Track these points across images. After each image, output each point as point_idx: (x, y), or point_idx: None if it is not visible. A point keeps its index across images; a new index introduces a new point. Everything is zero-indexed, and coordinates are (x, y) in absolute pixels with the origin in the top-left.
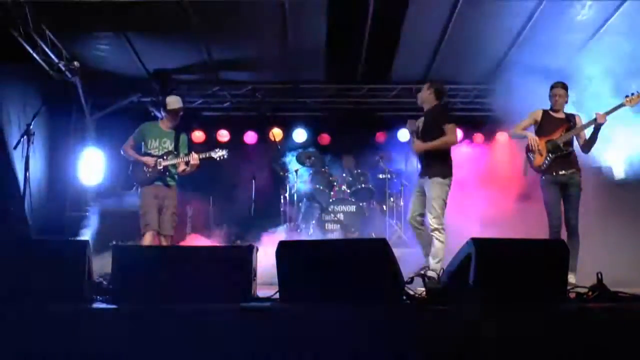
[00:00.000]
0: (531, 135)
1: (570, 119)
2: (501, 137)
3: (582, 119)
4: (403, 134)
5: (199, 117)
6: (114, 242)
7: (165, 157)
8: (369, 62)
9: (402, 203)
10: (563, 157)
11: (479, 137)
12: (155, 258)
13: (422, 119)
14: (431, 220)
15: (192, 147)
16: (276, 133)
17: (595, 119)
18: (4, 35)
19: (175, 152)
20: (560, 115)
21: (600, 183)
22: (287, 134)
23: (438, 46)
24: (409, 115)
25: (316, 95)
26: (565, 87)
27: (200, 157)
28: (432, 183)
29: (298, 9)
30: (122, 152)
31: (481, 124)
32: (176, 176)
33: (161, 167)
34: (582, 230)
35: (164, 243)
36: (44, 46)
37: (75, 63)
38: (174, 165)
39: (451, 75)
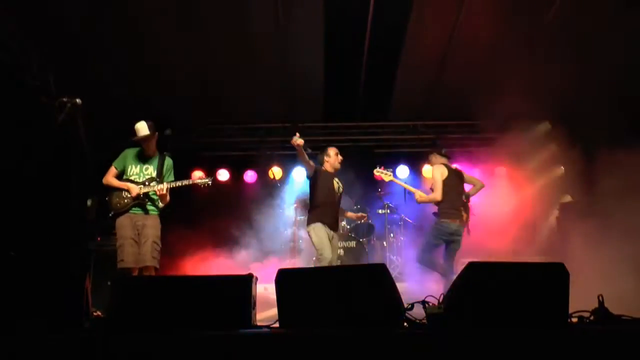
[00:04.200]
0: None
1: None
2: (500, 171)
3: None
4: (402, 171)
5: (198, 156)
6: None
7: (146, 184)
8: (366, 100)
9: (402, 238)
10: None
11: (476, 172)
12: (155, 289)
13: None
14: None
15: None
16: (276, 172)
17: None
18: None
19: (157, 179)
20: None
21: None
22: (287, 172)
23: (434, 83)
24: (406, 152)
25: (315, 133)
26: None
27: (184, 184)
28: None
29: (296, 48)
30: (104, 183)
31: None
32: (159, 203)
33: (141, 193)
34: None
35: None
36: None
37: (78, 100)
38: (156, 193)
39: (447, 112)
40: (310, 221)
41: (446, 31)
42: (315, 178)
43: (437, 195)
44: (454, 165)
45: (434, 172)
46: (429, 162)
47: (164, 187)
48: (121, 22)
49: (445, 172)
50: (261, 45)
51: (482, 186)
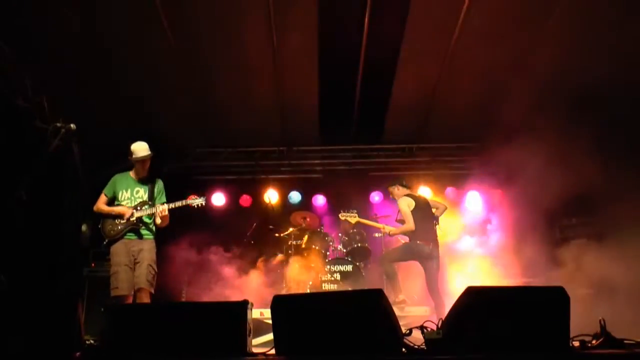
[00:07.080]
0: None
1: None
2: (496, 193)
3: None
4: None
5: (193, 181)
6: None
7: (138, 208)
8: (360, 123)
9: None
10: None
11: (474, 195)
12: (149, 316)
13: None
14: None
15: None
16: (271, 195)
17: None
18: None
19: (150, 203)
20: None
21: None
22: (283, 196)
23: (428, 107)
24: (401, 174)
25: (310, 157)
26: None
27: (177, 205)
28: None
29: (290, 72)
30: (95, 211)
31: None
32: (153, 227)
33: (134, 218)
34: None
35: (143, 299)
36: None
37: (72, 125)
38: (149, 216)
39: (441, 135)
40: None
41: (441, 53)
42: None
43: (410, 225)
44: (417, 193)
45: (401, 204)
46: (392, 195)
47: (165, 208)
48: (118, 47)
49: (412, 202)
50: (256, 69)
51: (446, 208)
